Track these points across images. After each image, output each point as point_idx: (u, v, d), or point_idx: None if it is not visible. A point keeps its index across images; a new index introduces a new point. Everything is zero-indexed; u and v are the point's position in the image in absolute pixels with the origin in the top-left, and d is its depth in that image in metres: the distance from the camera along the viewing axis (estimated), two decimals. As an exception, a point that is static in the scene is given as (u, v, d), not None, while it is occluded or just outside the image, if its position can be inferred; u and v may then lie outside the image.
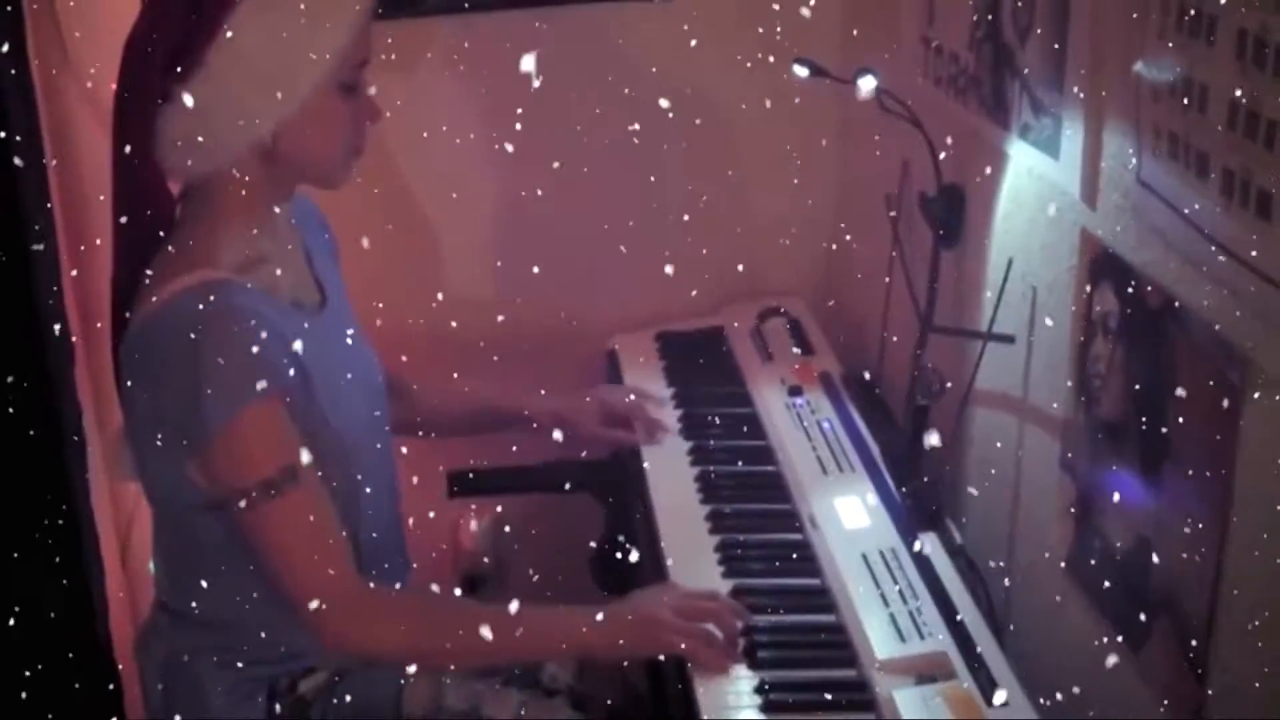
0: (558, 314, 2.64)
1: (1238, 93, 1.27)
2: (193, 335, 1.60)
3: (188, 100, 1.63)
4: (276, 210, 1.76)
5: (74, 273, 2.08)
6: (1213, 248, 1.34)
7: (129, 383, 1.70)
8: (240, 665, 1.78)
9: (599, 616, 1.73)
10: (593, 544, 2.37)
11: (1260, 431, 1.30)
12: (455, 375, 2.31)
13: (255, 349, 1.61)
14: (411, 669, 1.82)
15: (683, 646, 1.71)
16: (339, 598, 1.67)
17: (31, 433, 1.96)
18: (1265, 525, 1.30)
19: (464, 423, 2.25)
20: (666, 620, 1.72)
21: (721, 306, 2.65)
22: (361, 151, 1.77)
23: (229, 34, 1.62)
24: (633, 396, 2.32)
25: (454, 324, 2.56)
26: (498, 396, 2.26)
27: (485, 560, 2.76)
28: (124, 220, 1.74)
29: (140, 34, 1.67)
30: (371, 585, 1.74)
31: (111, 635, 2.17)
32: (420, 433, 2.19)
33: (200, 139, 1.65)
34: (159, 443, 1.67)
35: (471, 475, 2.41)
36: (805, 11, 2.44)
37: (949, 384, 1.96)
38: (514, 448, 2.33)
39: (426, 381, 2.21)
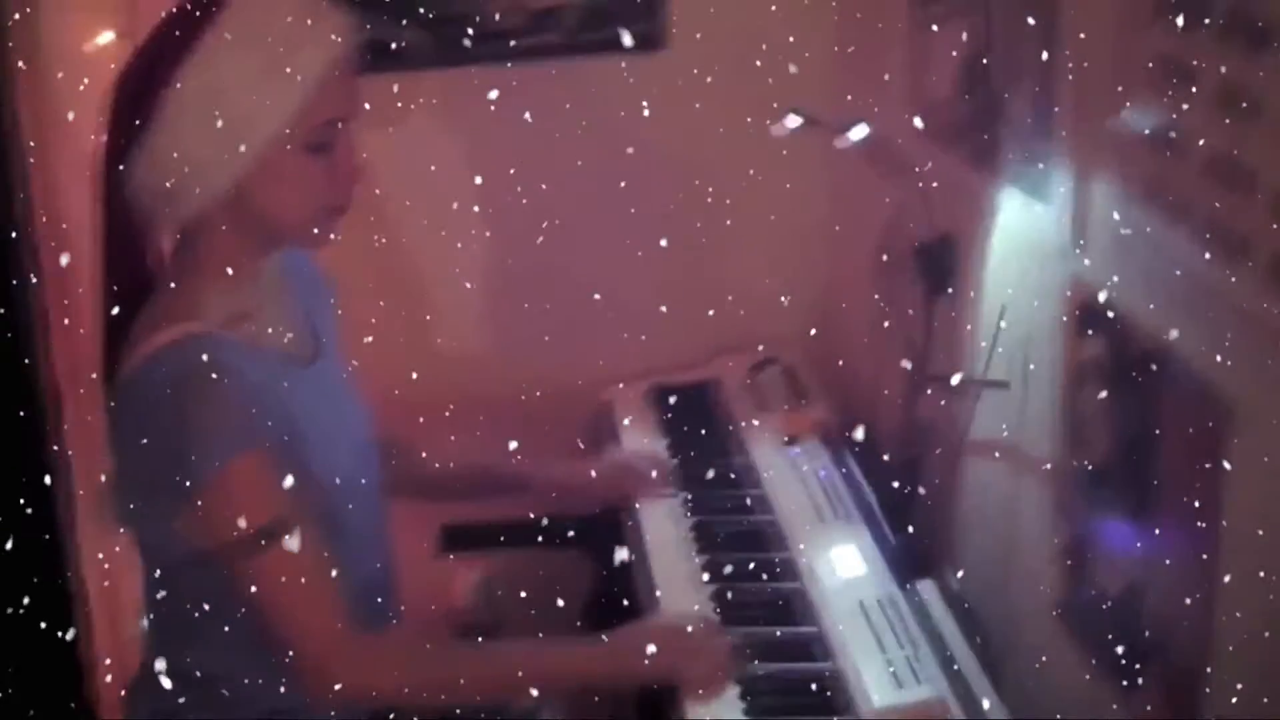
0: (550, 368, 2.64)
1: (1217, 140, 1.29)
2: (176, 390, 1.60)
3: (148, 147, 1.63)
4: (262, 263, 1.76)
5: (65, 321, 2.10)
6: (1196, 292, 1.35)
7: (115, 437, 1.70)
8: (231, 722, 1.78)
9: (587, 646, 1.77)
10: (589, 597, 2.37)
11: (1246, 473, 1.31)
12: (450, 434, 2.31)
13: (238, 404, 1.61)
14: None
15: (671, 671, 1.74)
16: (332, 648, 1.66)
17: (19, 493, 1.96)
18: (1255, 568, 1.30)
19: (464, 487, 2.23)
20: (654, 647, 1.74)
21: (715, 358, 2.66)
22: (343, 212, 1.74)
23: (179, 83, 1.61)
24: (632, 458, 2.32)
25: (445, 379, 2.57)
26: (499, 462, 2.23)
27: (478, 616, 2.75)
28: (110, 270, 1.74)
29: (121, 78, 1.68)
30: (361, 632, 1.72)
31: (99, 696, 2.16)
32: (416, 496, 2.17)
33: (161, 188, 1.65)
34: (146, 497, 1.67)
35: (464, 530, 2.41)
36: (794, 66, 2.48)
37: (939, 432, 1.97)
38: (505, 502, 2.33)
39: (425, 444, 2.20)
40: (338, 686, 1.67)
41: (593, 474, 2.25)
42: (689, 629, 1.80)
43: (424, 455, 2.17)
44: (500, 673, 1.74)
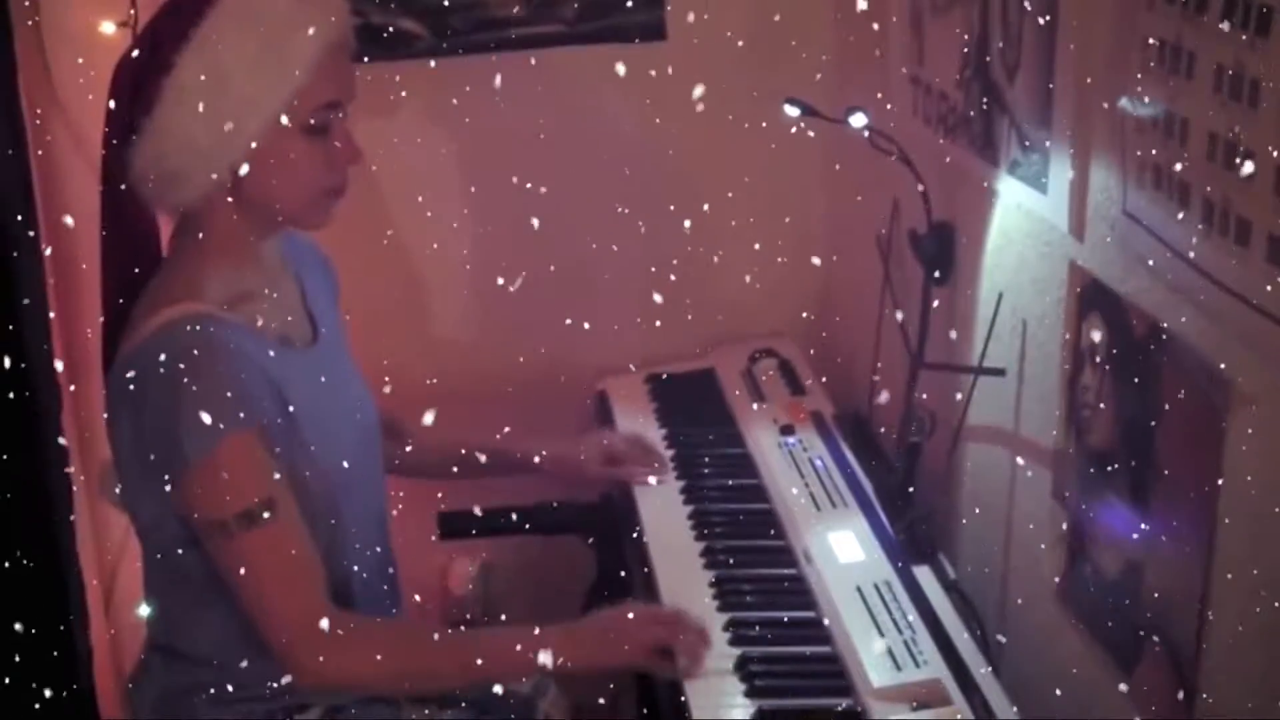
0: (546, 357, 2.65)
1: (1215, 125, 1.30)
2: (172, 368, 1.62)
3: (148, 133, 1.65)
4: (262, 246, 1.78)
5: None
6: (1195, 275, 1.36)
7: (114, 415, 1.71)
8: (234, 702, 1.78)
9: (564, 631, 1.77)
10: (588, 585, 2.38)
11: (1243, 454, 1.33)
12: (440, 418, 2.31)
13: (234, 382, 1.63)
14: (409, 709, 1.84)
15: (642, 659, 1.76)
16: (311, 630, 1.67)
17: (16, 479, 1.97)
18: (1250, 547, 1.32)
19: (462, 465, 2.24)
20: (629, 632, 1.77)
21: (712, 348, 2.67)
22: (341, 193, 1.77)
23: (178, 70, 1.63)
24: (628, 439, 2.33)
25: (442, 367, 2.57)
26: (497, 440, 2.26)
27: (475, 605, 2.76)
28: (112, 255, 1.76)
29: (120, 66, 1.70)
30: (342, 614, 1.73)
31: (95, 684, 2.17)
32: (416, 474, 2.20)
33: (162, 173, 1.67)
34: (143, 474, 1.69)
35: (462, 517, 2.41)
36: (793, 55, 2.49)
37: (938, 419, 1.98)
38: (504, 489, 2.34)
39: (423, 424, 2.21)
40: (315, 669, 1.68)
41: (590, 452, 2.25)
42: (662, 617, 1.81)
43: (423, 434, 2.18)
44: (473, 660, 1.75)
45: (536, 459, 2.23)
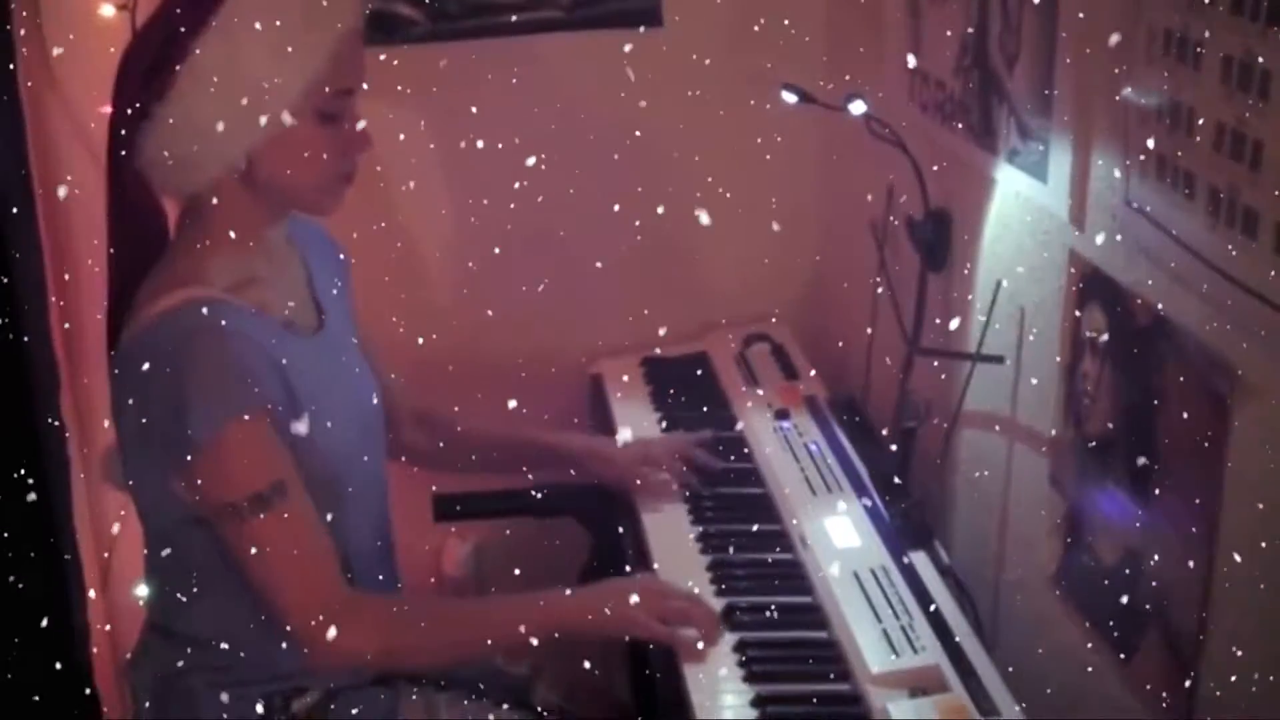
0: (541, 341, 2.65)
1: (1223, 115, 1.31)
2: (178, 352, 1.62)
3: (161, 120, 1.65)
4: (269, 231, 1.78)
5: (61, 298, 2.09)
6: (1199, 265, 1.37)
7: (119, 399, 1.71)
8: (233, 684, 1.78)
9: (572, 596, 1.79)
10: (582, 567, 2.38)
11: (1248, 444, 1.34)
12: (466, 409, 2.31)
13: (240, 366, 1.64)
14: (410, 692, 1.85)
15: (654, 629, 1.76)
16: (326, 610, 1.68)
17: (14, 460, 1.96)
18: (1254, 536, 1.33)
19: (497, 456, 2.21)
20: (645, 601, 1.77)
21: (706, 332, 2.67)
22: (351, 179, 1.77)
23: (197, 56, 1.63)
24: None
25: (437, 353, 2.57)
26: (533, 431, 2.23)
27: (469, 586, 2.77)
28: (118, 238, 1.76)
29: (130, 51, 1.70)
30: (355, 592, 1.74)
31: (92, 663, 2.17)
32: (450, 468, 2.19)
33: (176, 159, 1.67)
34: (147, 458, 1.69)
35: (458, 499, 2.42)
36: (790, 42, 2.49)
37: (931, 406, 1.99)
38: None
39: (458, 414, 2.20)
40: (330, 648, 1.69)
41: (629, 451, 2.20)
42: (673, 588, 1.83)
43: (462, 427, 2.17)
44: (482, 629, 1.77)
45: (569, 450, 2.19)
